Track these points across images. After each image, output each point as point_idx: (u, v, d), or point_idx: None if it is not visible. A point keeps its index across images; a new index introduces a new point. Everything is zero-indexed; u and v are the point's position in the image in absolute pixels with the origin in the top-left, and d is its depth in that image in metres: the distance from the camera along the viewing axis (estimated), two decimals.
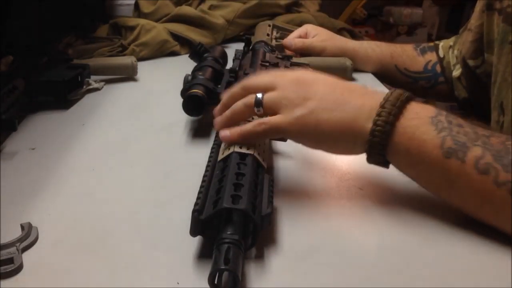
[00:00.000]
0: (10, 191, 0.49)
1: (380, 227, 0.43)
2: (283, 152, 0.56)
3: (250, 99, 0.46)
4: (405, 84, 0.84)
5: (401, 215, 0.45)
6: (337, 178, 0.51)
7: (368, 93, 0.45)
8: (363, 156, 0.45)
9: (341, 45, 0.84)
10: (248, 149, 0.44)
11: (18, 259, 0.38)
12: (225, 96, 0.50)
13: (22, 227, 0.41)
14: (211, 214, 0.37)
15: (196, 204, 0.38)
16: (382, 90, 0.46)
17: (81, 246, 0.41)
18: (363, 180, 0.50)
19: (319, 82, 0.46)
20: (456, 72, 0.77)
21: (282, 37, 0.91)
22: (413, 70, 0.83)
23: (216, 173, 0.42)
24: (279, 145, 0.57)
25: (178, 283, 0.36)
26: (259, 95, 0.46)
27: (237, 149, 0.44)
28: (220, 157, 0.44)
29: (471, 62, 0.70)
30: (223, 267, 0.33)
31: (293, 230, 0.42)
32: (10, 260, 0.38)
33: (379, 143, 0.42)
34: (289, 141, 0.50)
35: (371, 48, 0.84)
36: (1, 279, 0.37)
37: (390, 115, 0.42)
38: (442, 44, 0.83)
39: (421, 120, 0.42)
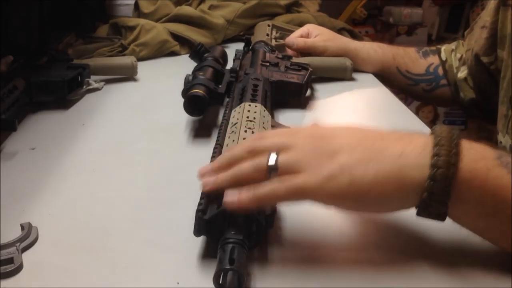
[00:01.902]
0: (10, 191, 0.49)
1: (383, 227, 0.43)
2: None
3: (260, 162, 0.37)
4: (406, 86, 0.84)
5: (401, 215, 0.44)
6: None
7: (403, 137, 0.38)
8: None
9: (343, 46, 0.83)
10: None
11: (18, 259, 0.38)
12: (223, 157, 0.41)
13: (22, 227, 0.41)
14: (215, 214, 0.37)
15: (200, 204, 0.38)
16: (413, 130, 0.39)
17: (81, 246, 0.41)
18: None
19: (341, 134, 0.39)
20: (462, 73, 0.77)
21: (282, 37, 0.91)
22: (415, 73, 0.83)
23: None
24: None
25: (178, 283, 0.36)
26: (273, 156, 0.37)
27: None
28: None
29: (485, 59, 0.70)
30: (228, 267, 0.33)
31: (297, 229, 0.42)
32: (10, 260, 0.38)
33: (442, 189, 0.34)
34: None
35: (373, 49, 0.84)
36: (1, 279, 0.37)
37: (451, 153, 0.35)
38: (444, 47, 0.83)
39: (488, 161, 0.35)
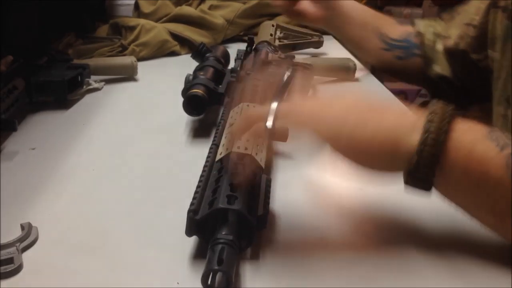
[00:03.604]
0: (10, 191, 0.49)
1: (379, 227, 0.43)
2: (282, 153, 0.56)
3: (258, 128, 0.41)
4: (378, 51, 0.81)
5: (402, 215, 0.45)
6: (337, 178, 0.51)
7: (403, 112, 0.40)
8: None
9: None
10: (246, 149, 0.44)
11: (18, 259, 0.38)
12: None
13: (22, 227, 0.42)
14: (207, 214, 0.37)
15: (192, 204, 0.38)
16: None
17: (81, 246, 0.41)
18: (363, 180, 0.50)
19: (343, 100, 0.42)
20: (439, 46, 0.75)
21: (286, 37, 0.91)
22: (391, 36, 0.80)
23: (213, 173, 0.42)
24: (279, 146, 0.57)
25: (178, 283, 0.36)
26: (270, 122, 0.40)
27: (235, 149, 0.44)
28: (218, 157, 0.44)
29: (475, 56, 0.70)
30: (216, 268, 0.33)
31: (291, 230, 0.43)
32: (10, 260, 0.38)
33: (432, 155, 0.36)
34: (288, 142, 0.50)
35: (358, 9, 0.82)
36: (1, 279, 0.37)
37: (443, 122, 0.36)
38: (420, 21, 0.81)
39: (477, 133, 0.37)
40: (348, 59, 0.81)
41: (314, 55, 0.95)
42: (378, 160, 0.39)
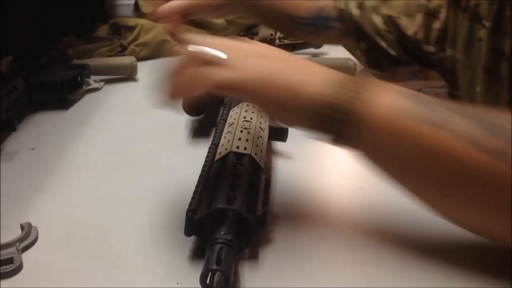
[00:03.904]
0: (10, 191, 0.49)
1: (379, 227, 0.43)
2: (282, 152, 0.56)
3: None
4: (291, 30, 0.77)
5: (401, 215, 0.45)
6: (337, 178, 0.52)
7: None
8: None
9: None
10: (245, 149, 0.44)
11: (18, 259, 0.38)
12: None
13: (22, 227, 0.42)
14: (205, 214, 0.37)
15: (190, 204, 0.38)
16: None
17: (81, 246, 0.41)
18: (363, 180, 0.50)
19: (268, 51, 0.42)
20: (378, 19, 0.72)
21: (286, 37, 0.91)
22: (299, 16, 0.74)
23: (212, 173, 0.42)
24: (278, 146, 0.57)
25: (178, 283, 0.36)
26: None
27: (234, 149, 0.44)
28: (217, 157, 0.44)
29: (431, 48, 0.68)
30: (215, 267, 0.33)
31: (290, 230, 0.43)
32: (10, 260, 0.38)
33: (346, 104, 0.36)
34: (288, 142, 0.50)
35: None
36: (1, 279, 0.37)
37: (359, 81, 0.37)
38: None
39: (396, 91, 0.37)
40: (348, 59, 0.81)
41: (314, 55, 0.95)
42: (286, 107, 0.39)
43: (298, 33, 0.77)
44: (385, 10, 0.72)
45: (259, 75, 0.39)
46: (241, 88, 0.39)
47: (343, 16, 0.75)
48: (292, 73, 0.39)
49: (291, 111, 0.38)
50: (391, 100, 0.36)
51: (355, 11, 0.73)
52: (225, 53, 0.39)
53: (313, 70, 0.40)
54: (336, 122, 0.36)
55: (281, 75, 0.39)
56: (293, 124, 0.41)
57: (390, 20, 0.71)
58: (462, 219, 0.38)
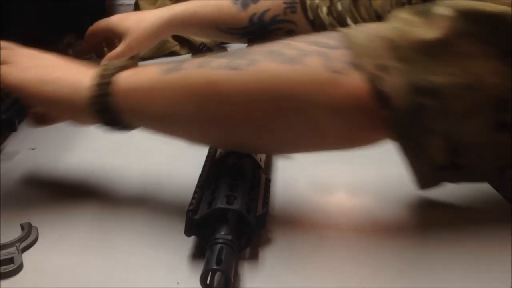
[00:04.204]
0: (10, 191, 0.49)
1: (380, 227, 0.43)
2: None
3: None
4: (235, 39, 0.79)
5: (402, 215, 0.45)
6: (337, 178, 0.52)
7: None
8: (363, 156, 0.45)
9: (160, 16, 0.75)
10: None
11: (18, 259, 0.38)
12: None
13: (22, 227, 0.42)
14: (206, 214, 0.37)
15: (190, 204, 0.38)
16: None
17: (81, 246, 0.41)
18: (363, 180, 0.50)
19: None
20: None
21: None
22: (238, 27, 0.75)
23: (212, 173, 0.42)
24: None
25: (178, 283, 0.36)
26: None
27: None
28: (218, 157, 0.44)
29: None
30: (215, 267, 0.33)
31: (290, 230, 0.43)
32: (10, 260, 0.38)
33: (104, 101, 0.41)
34: None
35: (194, 11, 0.76)
36: (1, 279, 0.37)
37: (114, 69, 0.42)
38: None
39: (148, 69, 0.42)
40: None
41: None
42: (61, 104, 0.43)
43: (242, 40, 0.78)
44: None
45: (37, 76, 0.43)
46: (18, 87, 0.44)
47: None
48: (66, 75, 0.44)
49: (70, 108, 0.44)
50: (133, 73, 0.42)
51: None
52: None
53: (82, 70, 0.45)
54: (104, 109, 0.42)
55: (54, 75, 0.44)
56: (76, 120, 0.46)
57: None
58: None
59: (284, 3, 0.74)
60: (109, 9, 1.17)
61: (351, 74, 0.36)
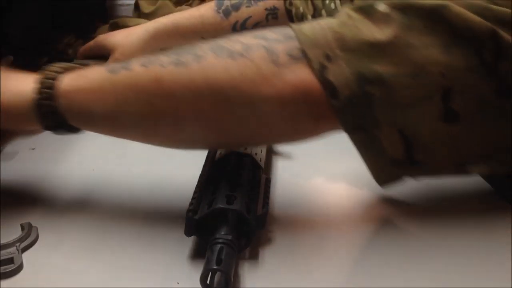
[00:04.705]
0: (10, 191, 0.49)
1: (380, 228, 0.43)
2: (282, 153, 0.56)
3: None
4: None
5: (402, 216, 0.45)
6: (337, 178, 0.52)
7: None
8: None
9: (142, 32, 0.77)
10: (245, 149, 0.44)
11: (18, 259, 0.38)
12: None
13: (22, 227, 0.42)
14: (206, 214, 0.37)
15: (190, 204, 0.38)
16: None
17: (81, 246, 0.41)
18: (363, 181, 0.50)
19: None
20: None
21: None
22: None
23: (212, 173, 0.42)
24: (278, 146, 0.57)
25: (178, 283, 0.36)
26: None
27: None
28: (217, 157, 0.44)
29: None
30: (215, 267, 0.33)
31: (290, 230, 0.43)
32: (10, 260, 0.38)
33: (47, 105, 0.41)
34: None
35: (178, 23, 0.78)
36: (1, 279, 0.37)
37: (54, 75, 0.42)
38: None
39: (93, 70, 0.42)
40: None
41: None
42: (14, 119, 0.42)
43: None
44: None
45: None
46: None
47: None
48: (7, 81, 0.43)
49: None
50: (77, 74, 0.42)
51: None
52: None
53: (23, 76, 0.44)
54: (49, 112, 0.41)
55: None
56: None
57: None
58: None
59: (266, 9, 0.75)
60: (109, 9, 1.17)
61: (296, 66, 0.37)
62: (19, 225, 0.42)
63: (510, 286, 0.36)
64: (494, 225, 0.42)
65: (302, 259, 0.39)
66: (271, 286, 0.36)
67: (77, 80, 0.41)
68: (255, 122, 0.39)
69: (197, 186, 0.41)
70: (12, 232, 0.41)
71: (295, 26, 0.39)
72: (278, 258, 0.39)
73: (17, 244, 0.39)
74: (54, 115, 0.41)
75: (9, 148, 0.59)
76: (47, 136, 0.62)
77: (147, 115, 0.40)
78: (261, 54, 0.37)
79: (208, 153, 0.46)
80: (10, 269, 0.37)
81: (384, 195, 0.48)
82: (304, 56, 0.37)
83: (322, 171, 0.53)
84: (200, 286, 0.34)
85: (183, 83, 0.38)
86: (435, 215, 0.44)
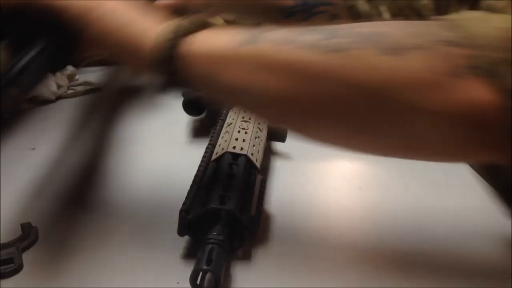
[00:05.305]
0: (10, 191, 0.49)
1: (378, 228, 0.43)
2: (281, 153, 0.56)
3: None
4: (282, 20, 0.72)
5: (401, 215, 0.45)
6: (337, 178, 0.52)
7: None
8: (364, 156, 0.45)
9: None
10: (241, 149, 0.44)
11: (18, 259, 0.38)
12: None
13: (22, 227, 0.42)
14: (198, 214, 0.37)
15: (184, 203, 0.38)
16: None
17: (81, 246, 0.41)
18: (363, 180, 0.50)
19: None
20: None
21: None
22: (287, 6, 0.71)
23: (208, 173, 0.42)
24: (277, 146, 0.57)
25: (178, 283, 0.36)
26: None
27: (230, 149, 0.44)
28: (214, 157, 0.45)
29: None
30: (205, 268, 0.33)
31: (285, 231, 0.43)
32: (10, 260, 0.38)
33: (168, 53, 0.36)
34: (287, 142, 0.50)
35: None
36: (1, 279, 0.37)
37: (191, 25, 0.37)
38: None
39: (222, 35, 0.36)
40: None
41: None
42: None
43: (289, 22, 0.75)
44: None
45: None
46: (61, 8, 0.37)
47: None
48: (130, 20, 0.38)
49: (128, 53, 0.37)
50: (205, 37, 0.36)
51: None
52: None
53: (151, 19, 0.38)
54: (169, 59, 0.36)
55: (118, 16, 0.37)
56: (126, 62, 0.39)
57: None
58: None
59: None
60: None
61: (473, 77, 0.28)
62: (19, 225, 0.42)
63: (510, 287, 0.36)
64: (494, 227, 0.42)
65: (294, 259, 0.39)
66: (263, 286, 0.36)
67: (205, 42, 0.36)
68: (405, 135, 0.31)
69: (191, 186, 0.41)
70: (12, 232, 0.41)
71: (462, 22, 0.31)
72: (271, 258, 0.39)
73: (17, 244, 0.40)
74: (173, 64, 0.36)
75: (9, 148, 0.59)
76: (47, 136, 0.62)
77: (275, 98, 0.34)
78: (424, 56, 0.29)
79: (205, 153, 0.46)
80: (10, 269, 0.37)
81: (383, 195, 0.48)
82: (489, 69, 0.28)
83: (321, 171, 0.53)
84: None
85: (329, 71, 0.31)
86: (436, 214, 0.44)
